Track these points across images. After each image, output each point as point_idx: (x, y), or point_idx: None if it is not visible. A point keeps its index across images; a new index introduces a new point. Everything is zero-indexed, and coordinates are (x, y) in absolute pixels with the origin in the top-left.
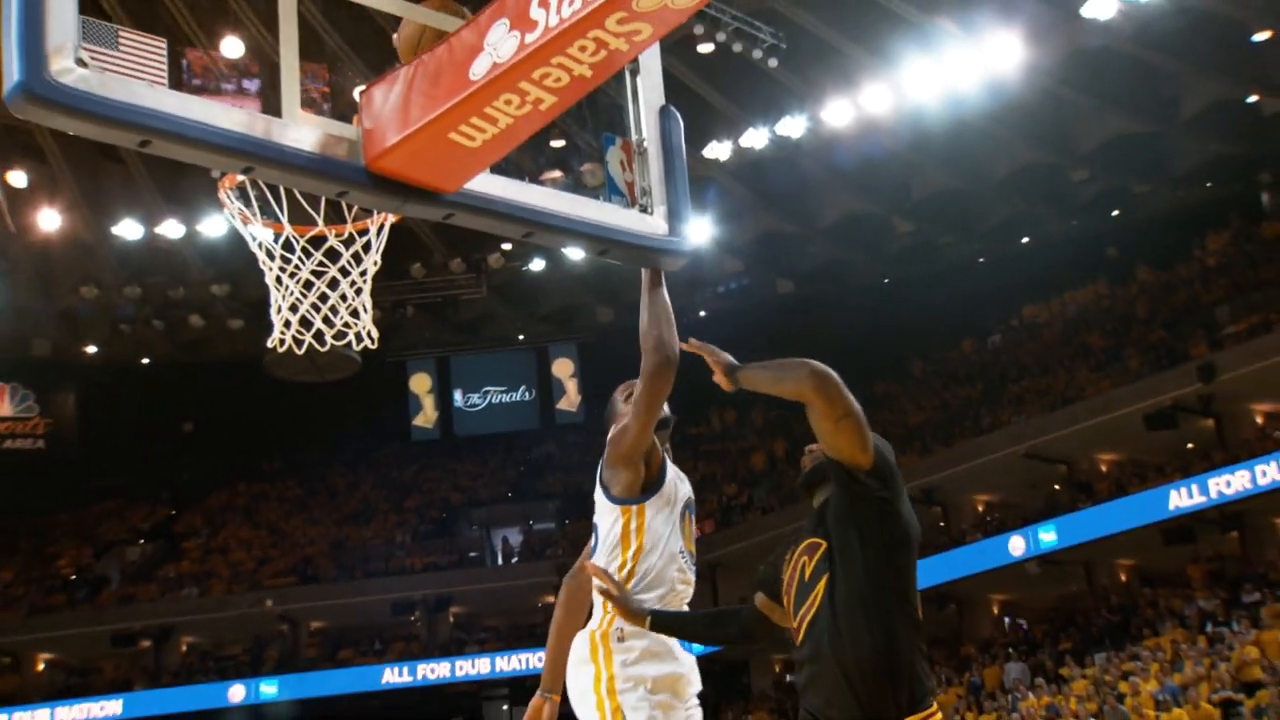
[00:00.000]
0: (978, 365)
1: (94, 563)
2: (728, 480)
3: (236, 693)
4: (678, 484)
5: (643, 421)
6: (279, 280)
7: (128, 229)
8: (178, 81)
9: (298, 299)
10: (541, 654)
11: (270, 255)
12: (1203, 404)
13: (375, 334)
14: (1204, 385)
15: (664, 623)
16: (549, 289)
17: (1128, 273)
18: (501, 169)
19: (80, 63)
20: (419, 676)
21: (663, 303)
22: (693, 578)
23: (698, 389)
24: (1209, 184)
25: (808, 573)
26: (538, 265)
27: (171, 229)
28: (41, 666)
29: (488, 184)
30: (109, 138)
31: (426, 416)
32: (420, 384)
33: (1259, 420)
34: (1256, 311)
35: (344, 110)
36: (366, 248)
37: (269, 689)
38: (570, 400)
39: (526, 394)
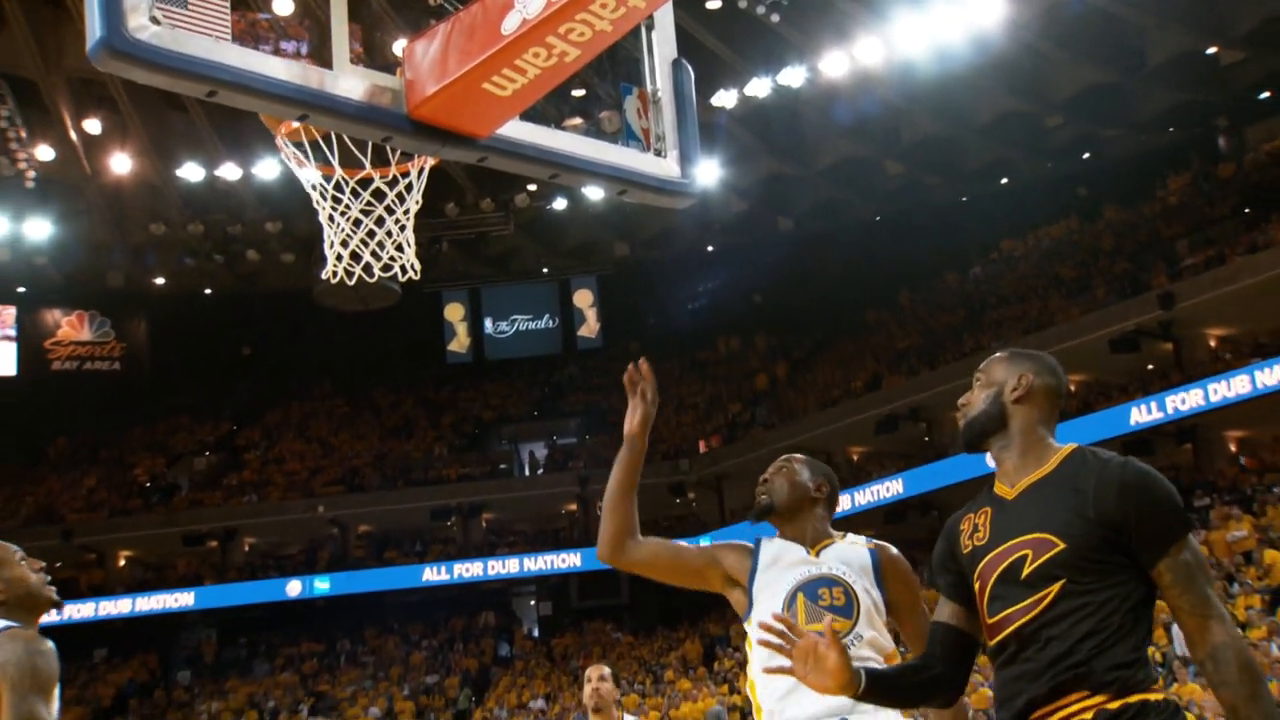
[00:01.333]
0: (960, 295)
1: (166, 471)
2: (733, 400)
3: (293, 588)
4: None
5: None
6: (330, 218)
7: (190, 171)
8: (239, 36)
9: (347, 235)
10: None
11: (323, 196)
12: (1162, 329)
13: (418, 266)
14: (1164, 312)
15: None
16: (570, 226)
17: (1096, 210)
18: (529, 116)
19: (154, 20)
20: (455, 575)
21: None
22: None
23: (706, 315)
24: (1170, 129)
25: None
26: (560, 204)
27: (230, 171)
28: (122, 562)
29: (517, 130)
30: (179, 88)
31: (460, 342)
32: (454, 312)
33: (1212, 343)
34: (1212, 245)
35: (382, 65)
36: (408, 188)
37: (322, 585)
38: (590, 327)
39: (550, 322)
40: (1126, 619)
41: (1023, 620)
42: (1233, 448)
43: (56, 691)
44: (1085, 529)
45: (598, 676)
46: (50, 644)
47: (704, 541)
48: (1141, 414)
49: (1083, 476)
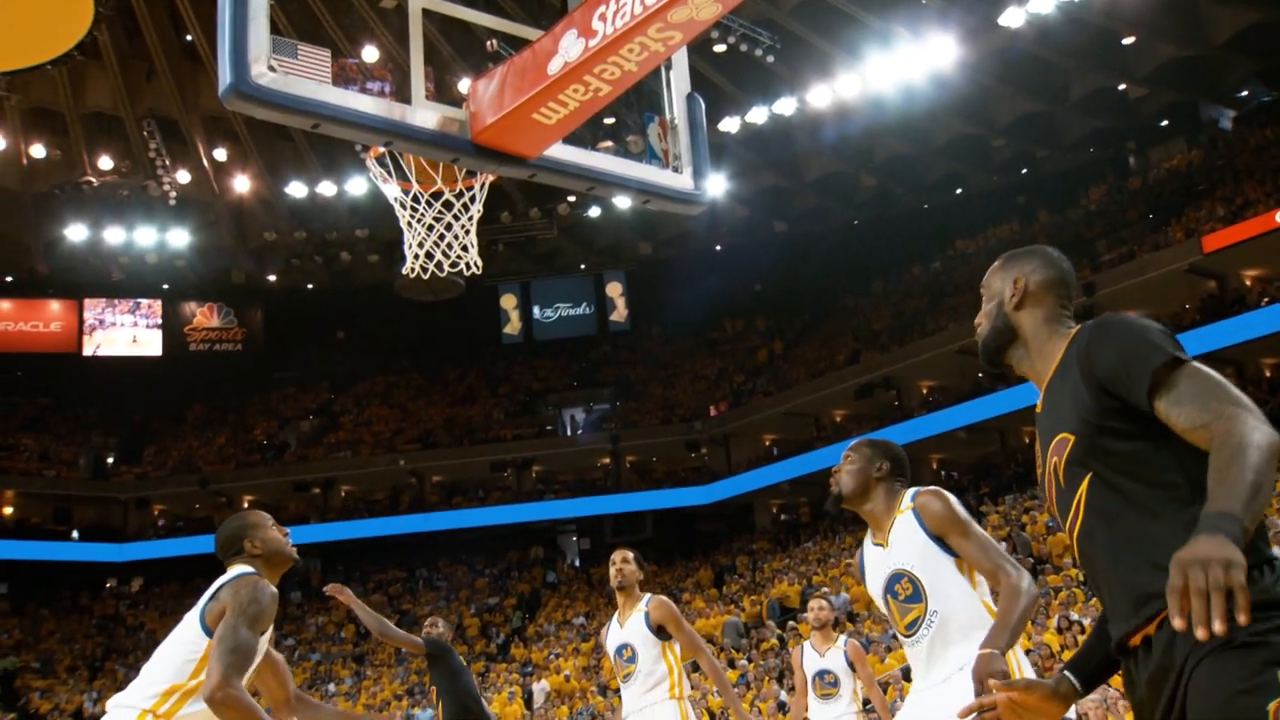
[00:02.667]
0: (923, 284)
1: (278, 432)
2: (737, 372)
3: (381, 526)
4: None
5: None
6: (409, 225)
7: (296, 189)
8: (336, 79)
9: (423, 238)
10: (599, 500)
11: (403, 206)
12: (1086, 312)
13: (479, 263)
14: (1086, 298)
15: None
16: (603, 229)
17: (1032, 215)
18: (570, 140)
19: (271, 69)
20: (510, 517)
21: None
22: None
23: (715, 302)
24: (1090, 149)
25: None
26: (594, 212)
27: (327, 188)
28: (246, 504)
29: (561, 151)
30: (290, 122)
31: (513, 326)
32: (508, 301)
33: None
34: (1124, 244)
35: (450, 100)
36: (472, 200)
37: (396, 529)
38: (620, 313)
39: (587, 309)
40: (1179, 491)
41: (1075, 534)
42: None
43: (269, 628)
44: (1086, 408)
45: (621, 559)
46: (274, 590)
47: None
48: None
49: (1073, 356)
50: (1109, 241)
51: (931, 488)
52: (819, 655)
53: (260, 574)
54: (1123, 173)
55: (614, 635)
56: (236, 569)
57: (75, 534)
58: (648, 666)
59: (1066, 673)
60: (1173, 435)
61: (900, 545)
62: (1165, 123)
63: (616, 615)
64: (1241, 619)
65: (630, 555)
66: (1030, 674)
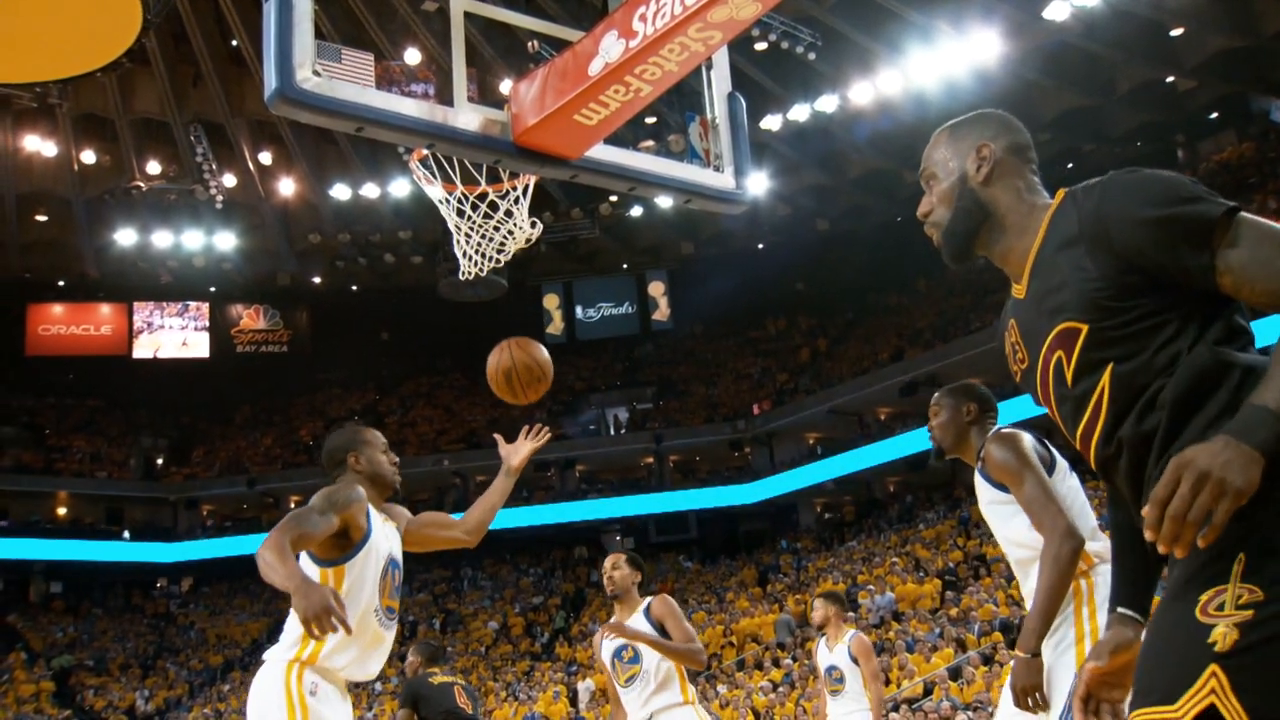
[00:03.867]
0: (966, 282)
1: (324, 432)
2: (780, 371)
3: None
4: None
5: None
6: (456, 226)
7: (340, 191)
8: (379, 82)
9: (466, 239)
10: (642, 499)
11: (448, 207)
12: None
13: (531, 237)
14: None
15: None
16: (645, 229)
17: None
18: (611, 140)
19: (316, 73)
20: (554, 517)
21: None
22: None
23: (757, 301)
24: (1138, 143)
25: None
26: (636, 211)
27: (370, 191)
28: (293, 504)
29: (602, 152)
30: (334, 126)
31: (556, 325)
32: (551, 301)
33: None
34: None
35: (492, 102)
36: (515, 200)
37: None
38: (662, 313)
39: (630, 308)
40: (1218, 366)
41: (1095, 439)
42: None
43: (344, 512)
44: (1098, 289)
45: (611, 565)
46: (360, 490)
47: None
48: None
49: (1071, 226)
50: None
51: (1004, 431)
52: (828, 651)
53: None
54: (1173, 165)
55: (610, 639)
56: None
57: (126, 534)
58: (653, 666)
59: (1123, 610)
60: (1207, 310)
61: (979, 494)
62: (1215, 115)
63: (612, 619)
64: (1200, 543)
65: (622, 560)
66: (1100, 631)
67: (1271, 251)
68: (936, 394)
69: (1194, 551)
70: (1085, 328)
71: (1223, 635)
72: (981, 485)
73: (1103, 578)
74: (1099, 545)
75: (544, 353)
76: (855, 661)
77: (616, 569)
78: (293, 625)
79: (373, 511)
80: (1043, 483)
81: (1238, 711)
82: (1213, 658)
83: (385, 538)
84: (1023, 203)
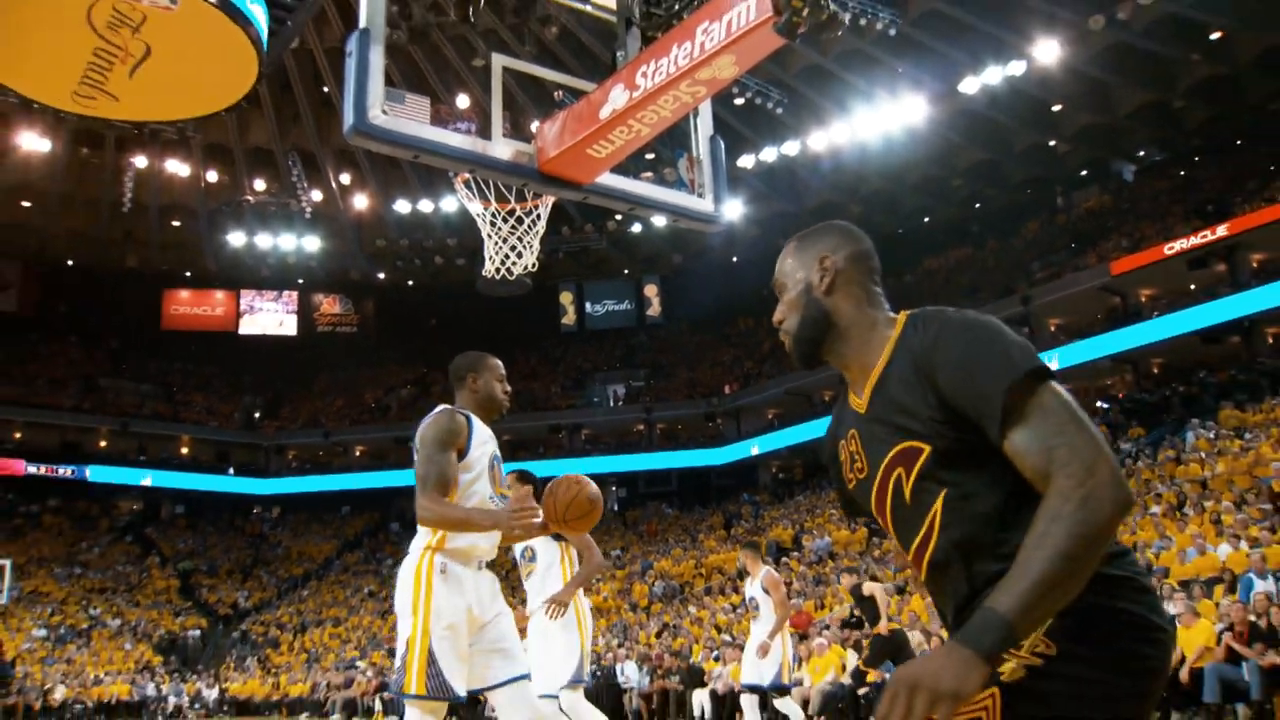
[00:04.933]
0: (898, 294)
1: (383, 397)
2: (748, 359)
3: None
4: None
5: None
6: (489, 236)
7: (401, 206)
8: (433, 120)
9: (499, 246)
10: (634, 458)
11: (484, 220)
12: (1022, 319)
13: (537, 264)
14: (1023, 308)
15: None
16: (643, 242)
17: (983, 241)
18: (617, 170)
19: (384, 112)
20: (563, 470)
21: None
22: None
23: (732, 303)
24: (1028, 191)
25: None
26: (636, 228)
27: (425, 206)
28: (359, 453)
29: (609, 179)
30: (397, 154)
31: (569, 317)
32: (566, 298)
33: (1052, 328)
34: (1053, 266)
35: (522, 137)
36: (538, 217)
37: None
38: (655, 310)
39: (628, 305)
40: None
41: (929, 552)
42: None
43: (459, 444)
44: (939, 417)
45: (506, 487)
46: (460, 418)
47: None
48: None
49: (911, 354)
50: (1041, 264)
51: None
52: (749, 586)
53: (455, 410)
54: (1052, 210)
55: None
56: (434, 411)
57: (231, 470)
58: (545, 565)
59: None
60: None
61: None
62: (1085, 172)
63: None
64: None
65: (512, 478)
66: None
67: (1048, 431)
68: None
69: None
70: (927, 449)
71: (1011, 669)
72: None
73: None
74: None
75: (595, 494)
76: (766, 593)
77: (510, 488)
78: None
79: (473, 420)
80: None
81: None
82: (997, 682)
83: (484, 442)
84: (864, 315)
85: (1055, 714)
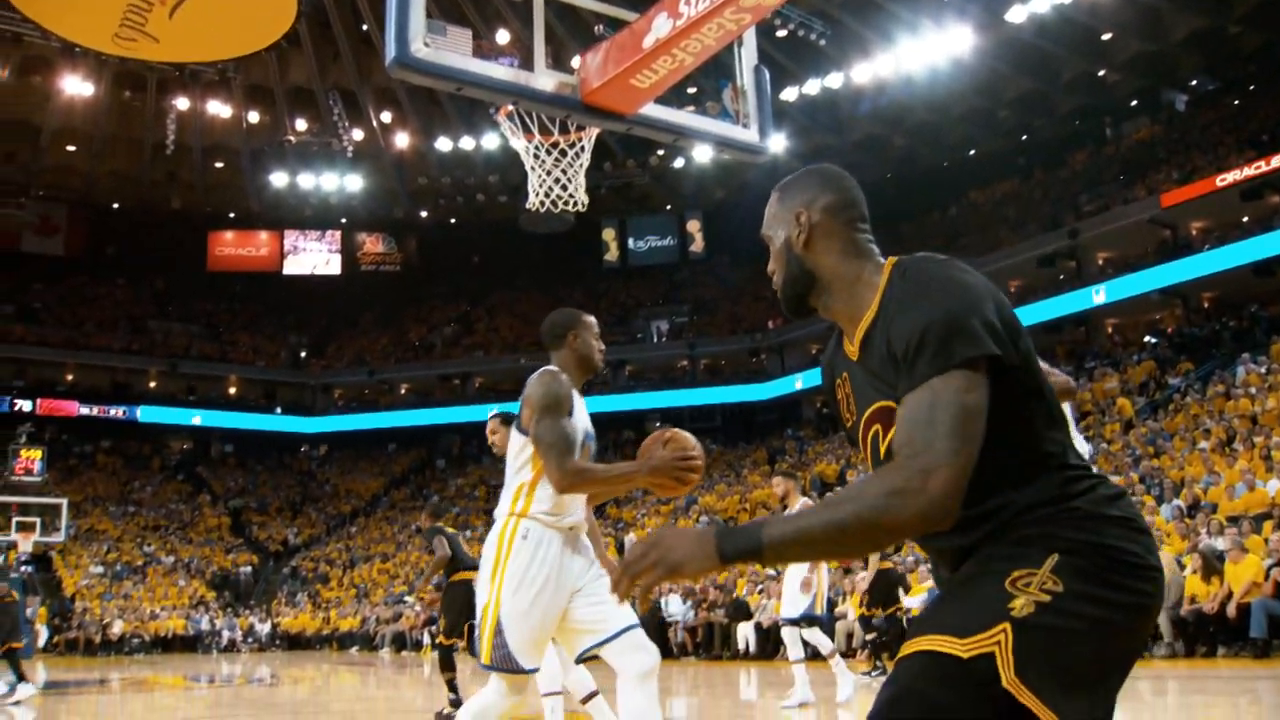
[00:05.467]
0: (942, 228)
1: (428, 335)
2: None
3: (497, 411)
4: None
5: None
6: (532, 169)
7: (443, 144)
8: (476, 53)
9: (543, 179)
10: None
11: (529, 153)
12: (1069, 252)
13: (585, 201)
14: (1071, 241)
15: None
16: (685, 178)
17: (1029, 173)
18: (661, 100)
19: (426, 45)
20: (608, 406)
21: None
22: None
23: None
24: (1076, 121)
25: None
26: (679, 163)
27: (467, 143)
28: (403, 390)
29: (653, 109)
30: (440, 87)
31: (612, 254)
32: (609, 234)
33: (1100, 261)
34: (1101, 198)
35: (564, 69)
36: (581, 150)
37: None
38: (698, 245)
39: (671, 241)
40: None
41: None
42: (1109, 328)
43: (570, 407)
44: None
45: (490, 431)
46: (565, 379)
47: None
48: (1046, 311)
49: (889, 307)
50: (1089, 196)
51: None
52: None
53: (557, 370)
54: (1101, 141)
55: None
56: (536, 373)
57: (278, 409)
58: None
59: None
60: (1023, 399)
61: None
62: (1135, 102)
63: None
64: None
65: (496, 421)
66: None
67: (925, 418)
68: None
69: (1011, 539)
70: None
71: (1021, 605)
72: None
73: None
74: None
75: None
76: None
77: (494, 432)
78: (509, 484)
79: (574, 393)
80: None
81: (1009, 664)
82: (1008, 618)
83: (583, 413)
84: (847, 267)
85: (1060, 647)
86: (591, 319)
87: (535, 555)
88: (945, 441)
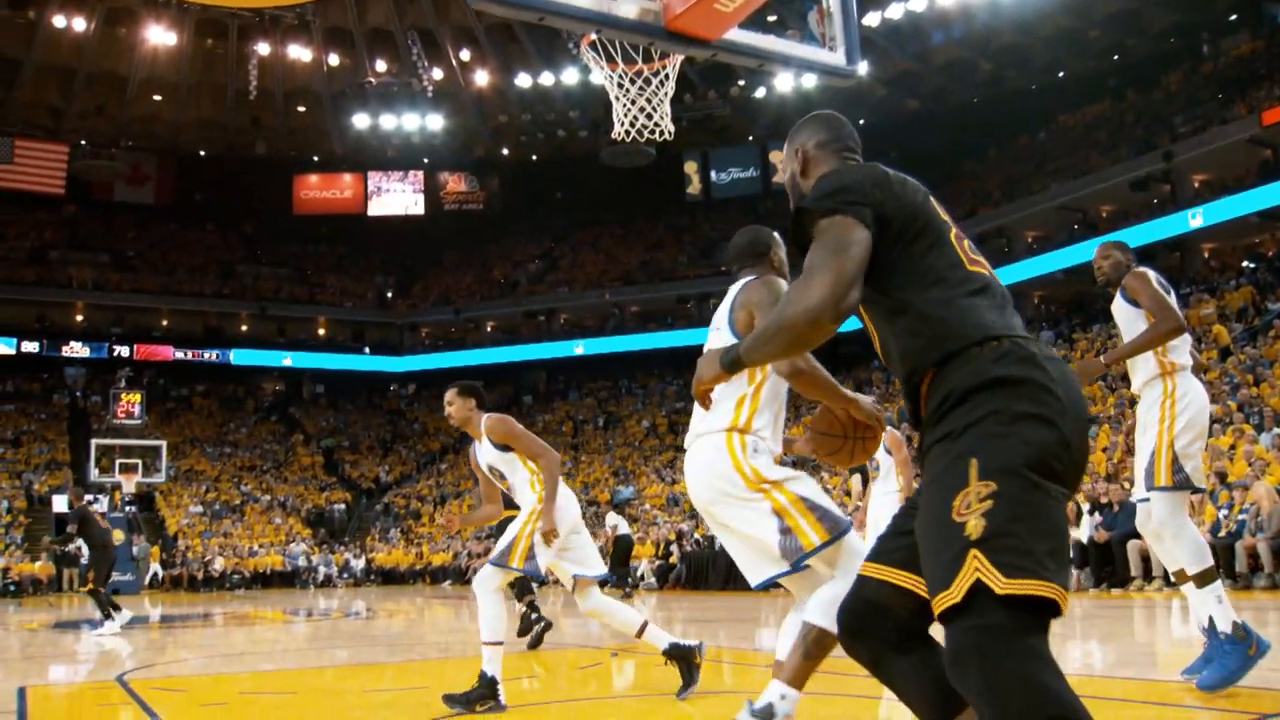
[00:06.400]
0: (1030, 152)
1: (512, 272)
2: None
3: (583, 348)
4: None
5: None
6: (617, 99)
7: (522, 80)
8: None
9: (628, 109)
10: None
11: (612, 83)
12: (1164, 175)
13: (672, 130)
14: (1165, 164)
15: None
16: (766, 108)
17: (1121, 94)
18: (745, 25)
19: None
20: (693, 340)
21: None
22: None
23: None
24: (1171, 39)
25: None
26: (760, 93)
27: (546, 79)
28: (490, 328)
29: (737, 34)
30: (522, 16)
31: (695, 187)
32: (690, 167)
33: (1196, 184)
34: (1198, 119)
35: None
36: (666, 78)
37: (603, 349)
38: (781, 177)
39: (753, 172)
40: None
41: (880, 350)
42: (1205, 253)
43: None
44: None
45: (446, 402)
46: (783, 282)
47: None
48: (1142, 235)
49: None
50: (1185, 117)
51: (1138, 269)
52: None
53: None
54: (1197, 59)
55: (483, 455)
56: (744, 278)
57: (367, 349)
58: (515, 480)
59: None
60: (896, 257)
61: (1117, 310)
62: (1234, 17)
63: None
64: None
65: (453, 393)
66: (1176, 426)
67: (813, 251)
68: (1104, 244)
69: (940, 461)
70: None
71: (974, 526)
72: (1120, 303)
73: (1183, 386)
74: (1187, 362)
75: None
76: (889, 453)
77: (451, 403)
78: (724, 397)
79: None
80: (1159, 296)
81: (994, 574)
82: (970, 544)
83: None
84: None
85: (1021, 528)
86: (776, 237)
87: (769, 465)
88: (820, 260)
